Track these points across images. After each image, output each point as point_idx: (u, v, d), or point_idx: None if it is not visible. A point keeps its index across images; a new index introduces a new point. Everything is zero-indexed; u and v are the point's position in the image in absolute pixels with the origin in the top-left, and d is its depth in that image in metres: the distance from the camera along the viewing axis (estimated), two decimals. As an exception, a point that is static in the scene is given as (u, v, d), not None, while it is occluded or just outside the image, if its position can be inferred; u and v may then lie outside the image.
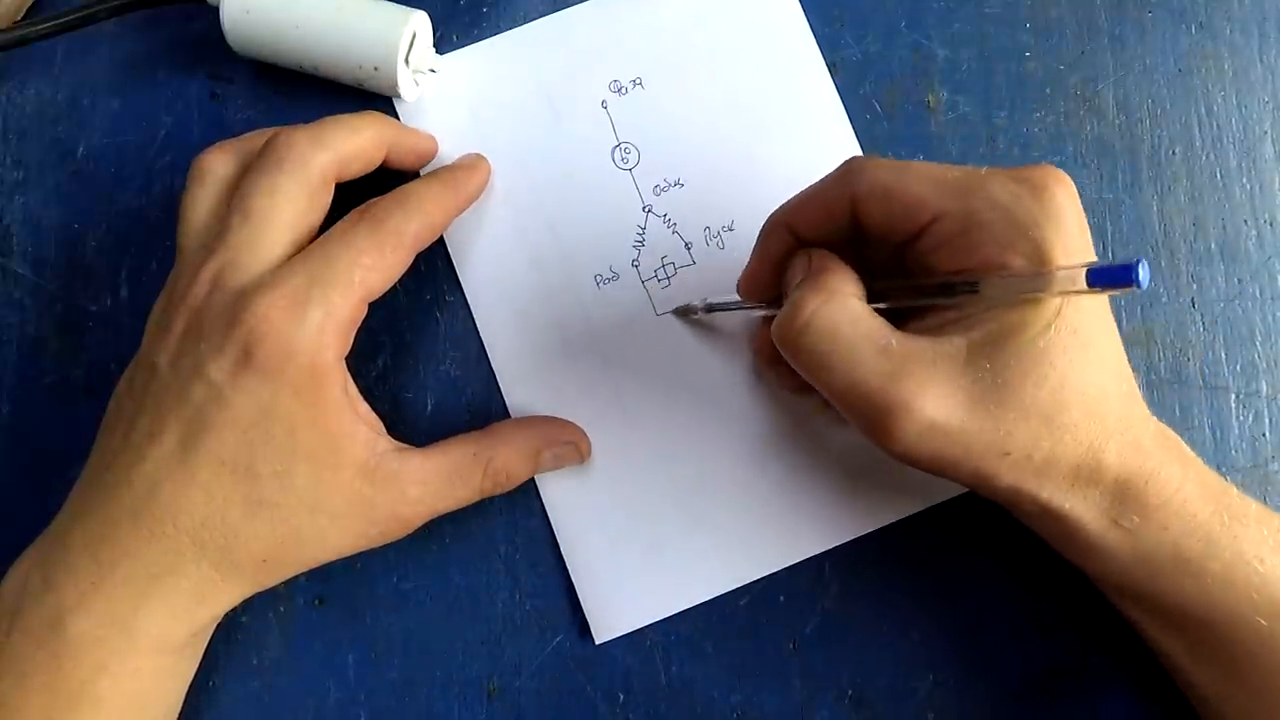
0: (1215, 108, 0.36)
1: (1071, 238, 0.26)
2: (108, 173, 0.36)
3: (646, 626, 0.33)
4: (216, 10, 0.33)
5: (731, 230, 0.35)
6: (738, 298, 0.32)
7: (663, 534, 0.33)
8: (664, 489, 0.34)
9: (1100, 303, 0.27)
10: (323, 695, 0.33)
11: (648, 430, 0.34)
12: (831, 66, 0.36)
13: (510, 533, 0.34)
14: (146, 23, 0.36)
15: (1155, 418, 0.28)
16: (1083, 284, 0.23)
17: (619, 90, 0.36)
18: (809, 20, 0.36)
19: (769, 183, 0.34)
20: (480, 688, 0.33)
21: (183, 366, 0.28)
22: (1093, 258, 0.26)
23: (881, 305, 0.28)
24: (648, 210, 0.35)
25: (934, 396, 0.26)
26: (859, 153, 0.36)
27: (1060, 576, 0.33)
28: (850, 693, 0.33)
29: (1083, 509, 0.27)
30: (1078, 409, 0.26)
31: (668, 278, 0.35)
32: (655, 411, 0.34)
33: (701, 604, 0.33)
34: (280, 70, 0.35)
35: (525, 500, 0.34)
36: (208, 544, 0.28)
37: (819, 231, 0.30)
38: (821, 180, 0.29)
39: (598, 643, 0.33)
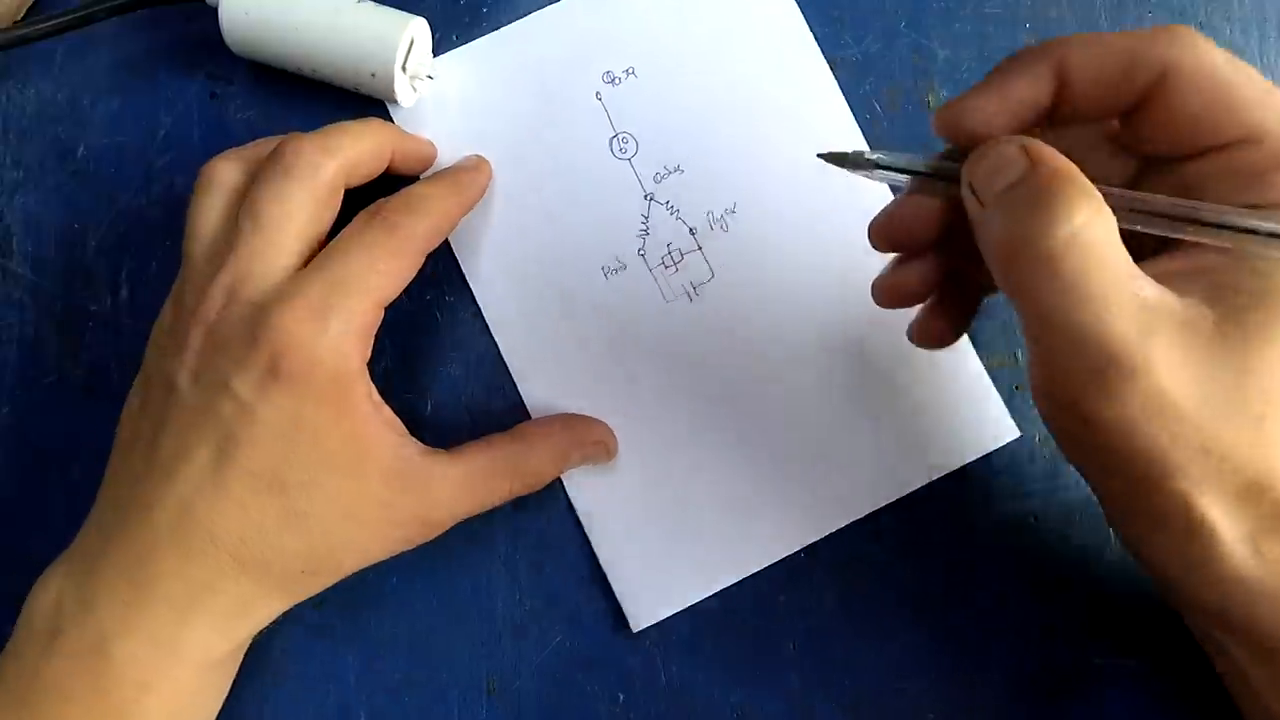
0: (1215, 108, 0.36)
1: None
2: (108, 173, 0.36)
3: (645, 627, 0.33)
4: (216, 11, 0.33)
5: (734, 213, 0.35)
6: (906, 157, 0.26)
7: (691, 518, 0.34)
8: (688, 473, 0.34)
9: None
10: (323, 696, 0.33)
11: (669, 416, 0.34)
12: (831, 66, 0.36)
13: (510, 533, 0.34)
14: (146, 23, 0.36)
15: None
16: None
17: (612, 81, 0.36)
18: (809, 22, 0.36)
19: (768, 163, 0.35)
20: (480, 688, 0.33)
21: (205, 383, 0.28)
22: None
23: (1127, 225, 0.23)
24: (649, 198, 0.35)
25: (1177, 366, 0.22)
26: (854, 125, 0.35)
27: (1060, 577, 0.33)
28: (850, 693, 0.33)
29: (1227, 524, 0.23)
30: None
31: (674, 264, 0.35)
32: (674, 397, 0.34)
33: (701, 604, 0.33)
34: (281, 71, 0.35)
35: (525, 500, 0.34)
36: (246, 559, 0.28)
37: (1091, 92, 0.24)
38: (1121, 33, 0.23)
39: (634, 631, 0.33)
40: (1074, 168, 0.23)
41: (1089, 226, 0.22)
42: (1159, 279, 0.23)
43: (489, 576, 0.34)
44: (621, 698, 0.33)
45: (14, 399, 0.35)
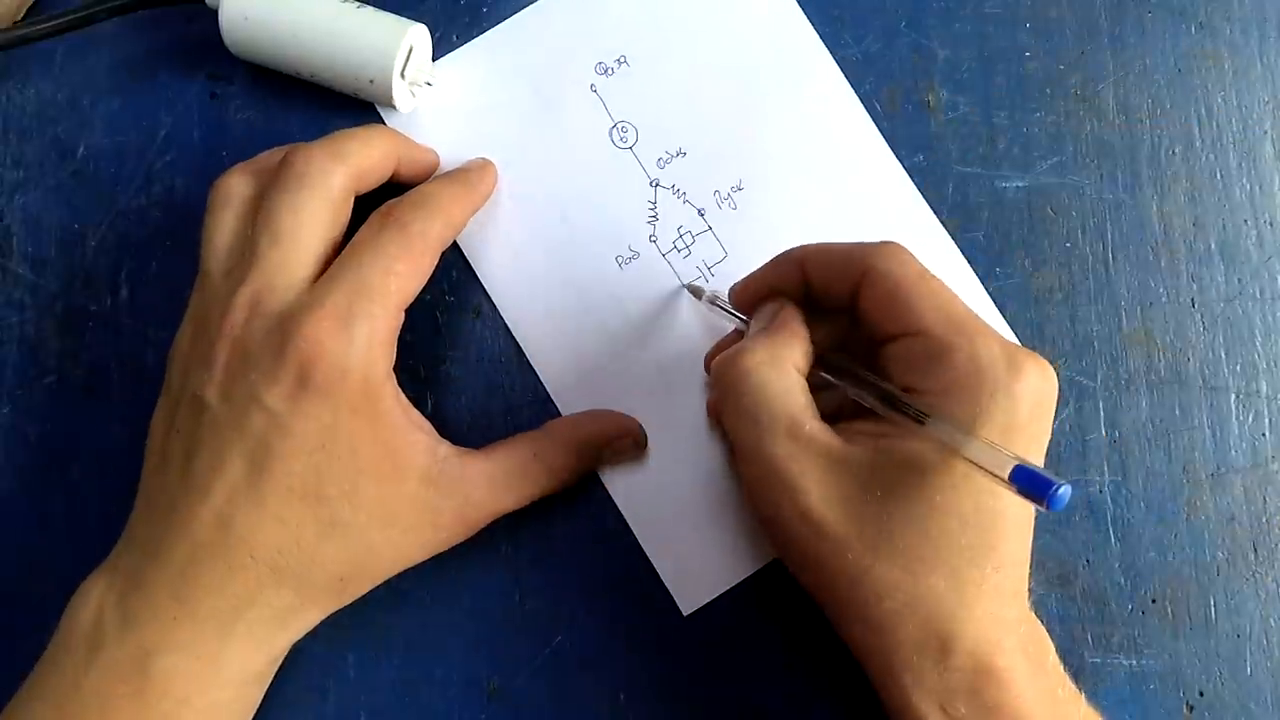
0: (1215, 108, 0.36)
1: (1014, 427, 0.26)
2: (108, 173, 0.36)
3: (693, 610, 0.33)
4: (216, 12, 0.33)
5: (741, 189, 0.35)
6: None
7: (728, 500, 0.34)
8: (720, 455, 0.34)
9: (1023, 511, 0.27)
10: (323, 695, 0.33)
11: (697, 398, 0.34)
12: (831, 66, 0.36)
13: (510, 532, 0.34)
14: (146, 23, 0.36)
15: (1037, 621, 0.28)
16: (1004, 473, 0.24)
17: (605, 71, 0.36)
18: (810, 22, 0.36)
19: (768, 136, 0.36)
20: (480, 688, 0.33)
21: (236, 398, 0.28)
22: (1033, 456, 0.27)
23: (827, 380, 0.29)
24: (655, 184, 0.35)
25: (820, 493, 0.27)
26: (848, 88, 0.36)
27: (1056, 575, 0.33)
28: (851, 691, 0.33)
29: (913, 679, 0.26)
30: (945, 579, 0.26)
31: (687, 247, 0.35)
32: (699, 379, 0.34)
33: (700, 605, 0.33)
34: (281, 71, 0.35)
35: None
36: (285, 571, 0.28)
37: (825, 285, 0.30)
38: (851, 242, 0.29)
39: (685, 614, 0.33)
40: (794, 329, 0.29)
41: (765, 366, 0.28)
42: (845, 430, 0.28)
43: (489, 576, 0.34)
44: (622, 698, 0.33)
45: (14, 399, 0.35)
